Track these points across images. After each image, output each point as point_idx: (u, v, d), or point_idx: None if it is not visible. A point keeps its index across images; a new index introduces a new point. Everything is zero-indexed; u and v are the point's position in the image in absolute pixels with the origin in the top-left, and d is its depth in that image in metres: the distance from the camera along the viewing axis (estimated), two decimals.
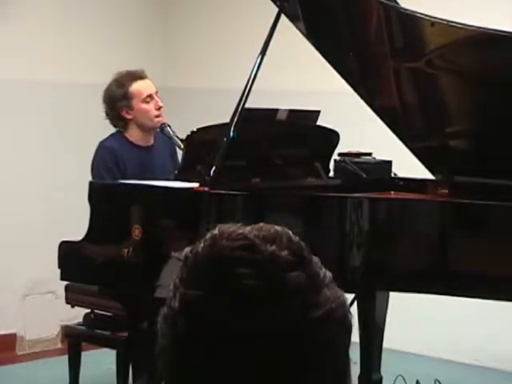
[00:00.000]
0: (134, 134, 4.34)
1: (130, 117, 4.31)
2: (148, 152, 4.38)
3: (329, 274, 1.02)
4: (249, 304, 0.96)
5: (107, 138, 4.35)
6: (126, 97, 4.28)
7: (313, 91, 5.56)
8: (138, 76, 4.33)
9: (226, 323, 0.96)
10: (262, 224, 1.03)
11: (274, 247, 0.99)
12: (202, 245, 1.01)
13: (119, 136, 4.35)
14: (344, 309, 1.01)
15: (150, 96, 4.30)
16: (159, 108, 4.31)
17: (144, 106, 4.29)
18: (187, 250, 1.02)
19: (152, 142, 4.40)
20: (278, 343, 0.96)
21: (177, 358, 0.99)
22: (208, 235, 1.01)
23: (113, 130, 4.40)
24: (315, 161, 4.04)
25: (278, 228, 1.02)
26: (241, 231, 1.01)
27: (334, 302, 0.99)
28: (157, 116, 4.31)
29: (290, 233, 1.03)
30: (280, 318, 0.96)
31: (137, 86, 4.30)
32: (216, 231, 1.01)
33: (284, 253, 0.99)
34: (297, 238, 1.02)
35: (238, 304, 0.96)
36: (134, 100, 4.29)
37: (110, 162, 4.23)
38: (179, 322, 0.98)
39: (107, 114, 4.36)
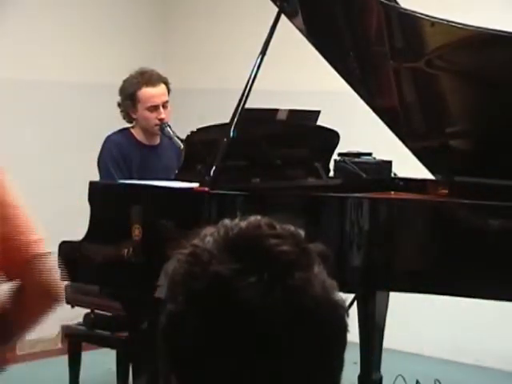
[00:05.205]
0: (138, 133, 4.41)
1: (134, 116, 4.38)
2: (152, 151, 4.41)
3: None
4: (286, 270, 0.96)
5: (114, 133, 4.41)
6: (133, 98, 4.33)
7: (313, 91, 5.57)
8: (151, 82, 4.33)
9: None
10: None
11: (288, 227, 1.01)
12: (216, 233, 1.00)
13: (126, 133, 4.41)
14: None
15: (155, 107, 4.31)
16: (160, 119, 4.31)
17: (146, 113, 4.32)
18: (191, 247, 1.01)
19: (158, 141, 4.45)
20: (285, 316, 0.95)
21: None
22: (217, 227, 1.01)
23: (113, 129, 4.43)
24: (315, 161, 4.04)
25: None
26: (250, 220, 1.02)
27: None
28: (157, 125, 4.32)
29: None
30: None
31: (145, 93, 4.31)
32: (225, 223, 1.02)
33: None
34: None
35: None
36: (139, 104, 4.33)
37: (116, 154, 4.30)
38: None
39: (119, 105, 4.40)
